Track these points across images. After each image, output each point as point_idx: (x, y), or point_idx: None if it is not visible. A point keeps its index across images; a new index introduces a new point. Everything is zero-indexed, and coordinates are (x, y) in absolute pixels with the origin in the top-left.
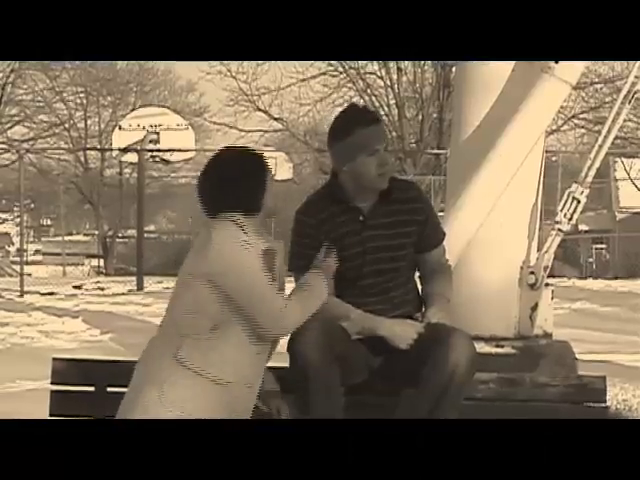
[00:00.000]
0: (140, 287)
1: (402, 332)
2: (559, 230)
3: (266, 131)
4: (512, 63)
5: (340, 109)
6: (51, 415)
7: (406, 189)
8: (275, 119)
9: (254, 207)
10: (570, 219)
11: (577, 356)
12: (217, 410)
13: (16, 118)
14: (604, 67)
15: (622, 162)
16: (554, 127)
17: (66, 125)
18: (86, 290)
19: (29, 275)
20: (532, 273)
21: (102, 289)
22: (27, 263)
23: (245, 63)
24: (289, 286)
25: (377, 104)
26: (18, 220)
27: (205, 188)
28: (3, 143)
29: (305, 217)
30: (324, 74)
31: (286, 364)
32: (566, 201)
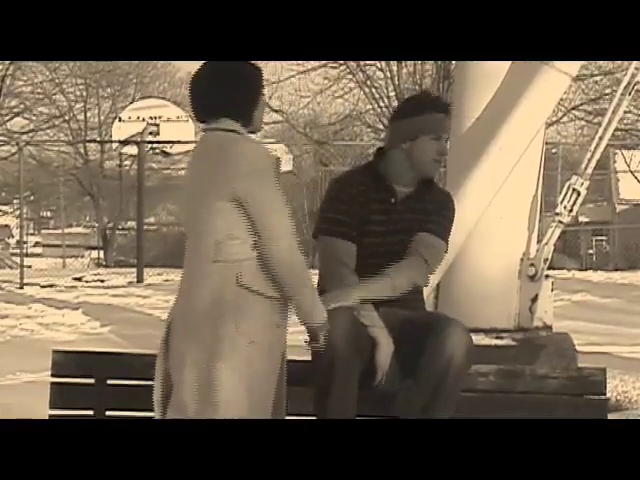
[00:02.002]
0: (140, 279)
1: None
2: (559, 222)
3: (266, 123)
4: None
5: (340, 100)
6: (51, 407)
7: (441, 192)
8: (275, 111)
9: (246, 117)
10: (570, 211)
11: (577, 348)
12: (277, 332)
13: (16, 110)
14: None
15: (622, 154)
16: (554, 119)
17: (66, 117)
18: (86, 282)
19: (29, 267)
20: (532, 265)
21: (102, 281)
22: (27, 255)
23: None
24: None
25: (377, 96)
26: (18, 212)
27: (199, 87)
28: (3, 135)
29: (343, 185)
30: (324, 66)
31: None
32: (566, 193)
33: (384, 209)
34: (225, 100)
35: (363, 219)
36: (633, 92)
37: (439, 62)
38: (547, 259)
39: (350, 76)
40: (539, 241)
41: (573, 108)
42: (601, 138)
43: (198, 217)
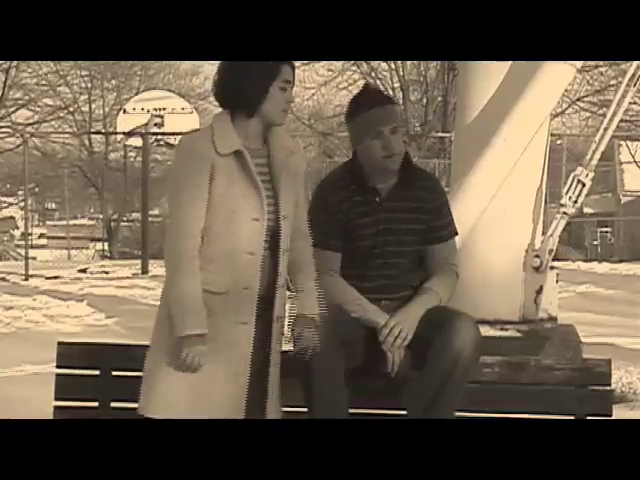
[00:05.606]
0: (145, 271)
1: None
2: (564, 213)
3: None
4: None
5: (345, 92)
6: (56, 399)
7: (424, 178)
8: None
9: (247, 108)
10: (575, 202)
11: (582, 339)
12: (239, 330)
13: (20, 102)
14: None
15: (627, 145)
16: (559, 110)
17: (70, 109)
18: (91, 274)
19: (34, 259)
20: (537, 256)
21: (107, 273)
22: (32, 247)
23: None
24: None
25: (382, 87)
26: (23, 204)
27: (217, 77)
28: (7, 127)
29: (325, 193)
30: None
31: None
32: (571, 184)
33: (370, 210)
34: (228, 91)
35: (350, 224)
36: (638, 83)
37: None
38: (552, 250)
39: (355, 68)
40: (544, 233)
41: (578, 99)
42: (606, 129)
43: None
